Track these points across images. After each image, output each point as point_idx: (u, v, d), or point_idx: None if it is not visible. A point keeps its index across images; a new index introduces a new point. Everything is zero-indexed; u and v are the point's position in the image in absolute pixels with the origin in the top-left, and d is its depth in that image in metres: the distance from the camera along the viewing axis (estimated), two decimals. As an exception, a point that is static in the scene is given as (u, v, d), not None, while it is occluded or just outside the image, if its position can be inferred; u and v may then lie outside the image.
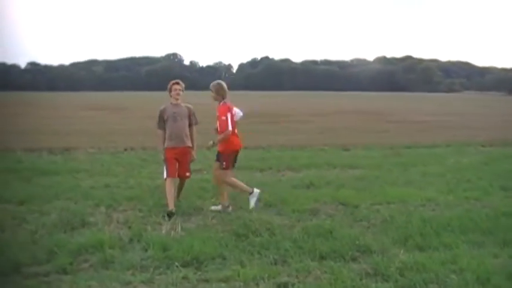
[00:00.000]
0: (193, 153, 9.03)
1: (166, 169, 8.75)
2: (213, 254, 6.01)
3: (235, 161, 8.75)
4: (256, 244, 6.40)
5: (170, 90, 8.97)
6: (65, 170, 12.24)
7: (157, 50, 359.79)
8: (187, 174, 8.99)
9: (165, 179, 8.66)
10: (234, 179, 8.69)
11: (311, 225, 7.24)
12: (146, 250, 6.23)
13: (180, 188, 9.06)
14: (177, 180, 8.86)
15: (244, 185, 8.71)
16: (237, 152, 8.71)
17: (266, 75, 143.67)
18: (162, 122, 8.91)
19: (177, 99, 8.92)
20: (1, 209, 8.40)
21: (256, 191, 8.60)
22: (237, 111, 8.68)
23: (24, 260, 5.83)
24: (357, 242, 6.42)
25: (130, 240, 6.68)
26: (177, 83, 8.96)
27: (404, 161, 14.14)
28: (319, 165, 13.14)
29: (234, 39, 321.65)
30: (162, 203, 8.62)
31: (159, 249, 6.16)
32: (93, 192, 9.62)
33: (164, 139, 8.86)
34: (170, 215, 7.93)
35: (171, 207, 8.17)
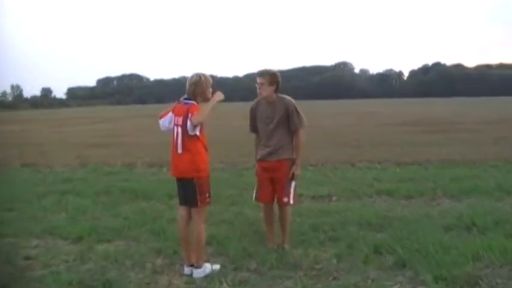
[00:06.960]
0: (295, 168, 6.20)
1: (256, 190, 6.36)
2: None
3: None
4: None
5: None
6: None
7: (327, 59, 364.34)
8: (285, 200, 6.16)
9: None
10: None
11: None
12: None
13: (282, 223, 6.31)
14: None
15: None
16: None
17: (438, 81, 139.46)
18: (253, 122, 6.34)
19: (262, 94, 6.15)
20: None
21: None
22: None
23: None
24: None
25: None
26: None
27: None
28: (486, 190, 9.31)
29: (404, 45, 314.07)
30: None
31: None
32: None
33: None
34: None
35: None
